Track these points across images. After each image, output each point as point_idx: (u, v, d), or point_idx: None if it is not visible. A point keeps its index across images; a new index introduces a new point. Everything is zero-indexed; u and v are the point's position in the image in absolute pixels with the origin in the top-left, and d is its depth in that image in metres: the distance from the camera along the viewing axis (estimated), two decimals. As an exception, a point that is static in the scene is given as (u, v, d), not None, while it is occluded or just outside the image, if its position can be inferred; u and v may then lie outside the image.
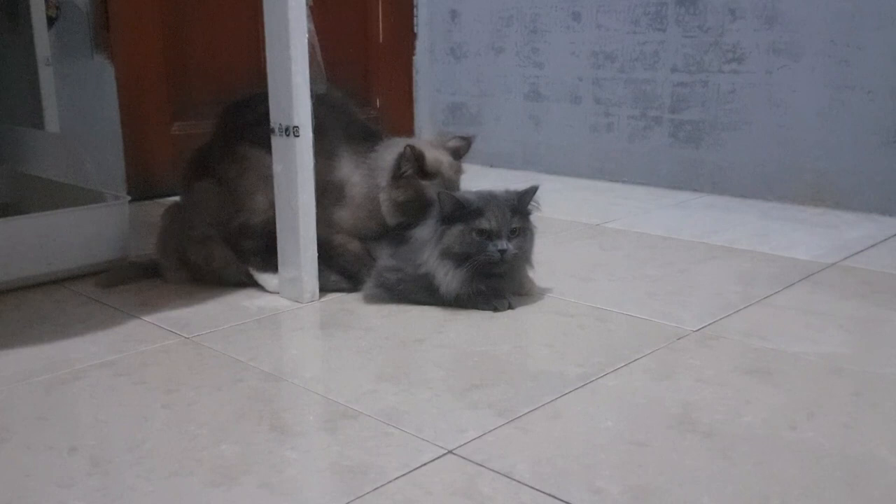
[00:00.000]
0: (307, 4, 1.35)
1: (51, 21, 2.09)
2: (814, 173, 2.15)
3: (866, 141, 2.05)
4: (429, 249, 1.35)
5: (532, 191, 1.36)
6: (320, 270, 1.43)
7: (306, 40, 1.34)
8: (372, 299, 1.41)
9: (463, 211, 1.32)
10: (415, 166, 1.40)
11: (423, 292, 1.38)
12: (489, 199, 1.34)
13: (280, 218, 1.41)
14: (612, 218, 2.05)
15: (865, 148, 2.05)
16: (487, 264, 1.33)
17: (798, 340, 1.23)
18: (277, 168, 1.38)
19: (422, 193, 1.40)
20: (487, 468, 0.87)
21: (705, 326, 1.29)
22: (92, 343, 1.23)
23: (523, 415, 0.99)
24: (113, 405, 1.03)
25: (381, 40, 2.87)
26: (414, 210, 1.41)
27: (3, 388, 1.08)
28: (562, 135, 2.66)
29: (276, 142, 1.38)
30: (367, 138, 1.51)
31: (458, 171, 1.47)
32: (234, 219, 1.46)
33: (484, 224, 1.31)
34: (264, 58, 1.37)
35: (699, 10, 2.28)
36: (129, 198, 1.65)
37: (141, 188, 2.26)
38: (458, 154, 1.49)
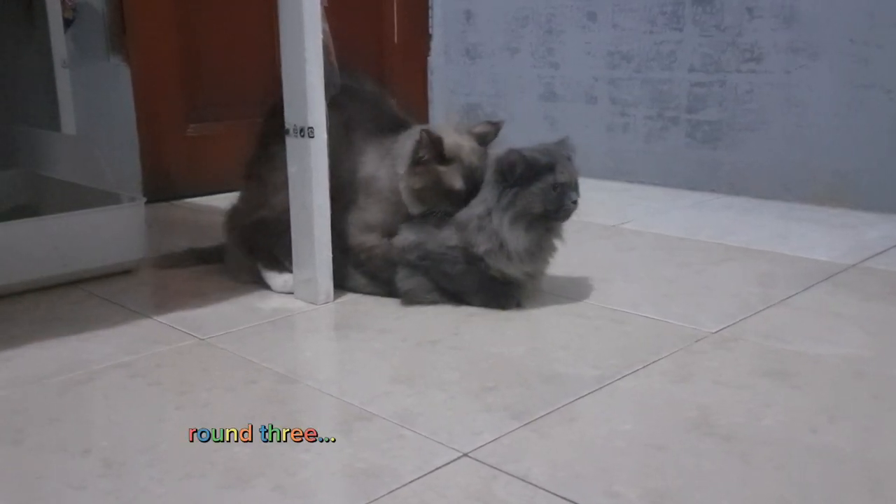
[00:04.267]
0: (321, 5, 1.34)
1: (67, 23, 2.09)
2: (833, 173, 2.12)
3: (886, 140, 2.02)
4: (496, 218, 1.30)
5: (567, 139, 1.35)
6: (350, 274, 1.43)
7: (321, 41, 1.34)
8: (409, 297, 1.39)
9: (534, 169, 1.28)
10: (432, 152, 1.35)
11: (447, 276, 1.35)
12: (551, 151, 1.31)
13: (295, 219, 1.40)
14: (629, 219, 2.04)
15: (885, 147, 2.02)
16: (560, 218, 1.30)
17: (818, 342, 1.22)
18: (292, 169, 1.38)
19: (439, 179, 1.36)
20: (503, 471, 0.86)
21: (724, 328, 1.28)
22: (106, 344, 1.23)
23: (539, 417, 0.98)
24: (127, 406, 1.03)
25: (395, 41, 2.87)
26: (433, 197, 1.37)
27: (17, 389, 1.08)
28: (577, 135, 2.61)
29: (291, 143, 1.37)
30: (396, 130, 1.47)
31: (482, 157, 1.40)
32: (254, 213, 1.48)
33: (560, 178, 1.28)
34: (279, 59, 1.36)
35: (716, 10, 2.26)
36: (144, 199, 1.65)
37: (157, 190, 2.27)
38: (485, 140, 1.43)
